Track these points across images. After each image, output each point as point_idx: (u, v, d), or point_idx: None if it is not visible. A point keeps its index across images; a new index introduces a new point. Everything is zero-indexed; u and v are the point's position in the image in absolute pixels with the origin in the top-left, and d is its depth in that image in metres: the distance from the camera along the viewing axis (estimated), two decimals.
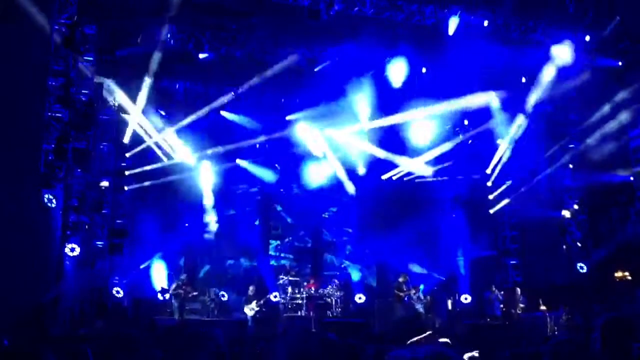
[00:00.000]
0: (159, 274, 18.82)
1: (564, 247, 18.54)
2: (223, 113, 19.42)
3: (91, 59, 14.76)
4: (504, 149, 19.82)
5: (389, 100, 18.98)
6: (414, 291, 18.28)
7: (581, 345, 4.21)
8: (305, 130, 20.01)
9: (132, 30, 15.35)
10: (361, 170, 21.24)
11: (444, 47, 16.21)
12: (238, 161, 20.86)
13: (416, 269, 20.38)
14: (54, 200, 12.96)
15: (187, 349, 3.88)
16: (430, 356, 2.60)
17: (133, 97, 16.96)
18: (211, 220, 20.36)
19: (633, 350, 3.95)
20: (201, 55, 16.73)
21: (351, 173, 21.34)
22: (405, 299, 18.08)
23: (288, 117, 19.80)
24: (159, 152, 18.90)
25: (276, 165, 21.61)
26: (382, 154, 20.74)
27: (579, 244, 18.28)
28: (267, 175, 21.28)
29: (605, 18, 15.87)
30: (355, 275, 21.07)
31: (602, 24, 16.10)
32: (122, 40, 15.65)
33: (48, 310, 12.35)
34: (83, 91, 14.43)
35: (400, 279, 18.42)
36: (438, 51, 16.73)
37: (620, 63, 16.62)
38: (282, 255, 21.93)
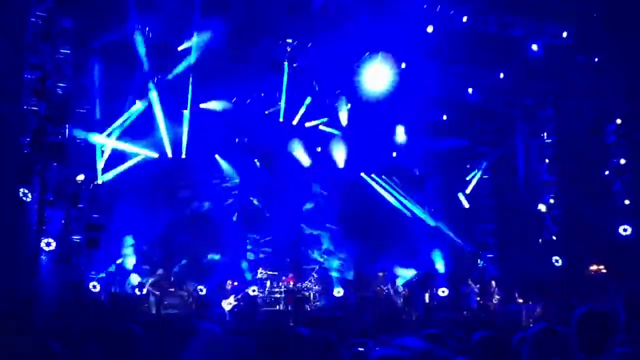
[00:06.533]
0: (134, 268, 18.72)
1: (540, 240, 18.73)
2: (202, 106, 19.27)
3: (68, 51, 14.58)
4: None
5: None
6: (390, 285, 18.52)
7: (559, 335, 4.26)
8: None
9: (111, 22, 15.16)
10: (340, 164, 21.27)
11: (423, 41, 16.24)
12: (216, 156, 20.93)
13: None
14: (29, 195, 12.82)
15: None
16: (420, 355, 2.61)
17: (112, 89, 16.81)
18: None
19: (608, 342, 4.00)
20: (180, 48, 16.64)
21: (329, 167, 21.38)
22: (384, 293, 18.28)
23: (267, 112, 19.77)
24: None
25: (255, 160, 21.60)
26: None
27: (554, 238, 18.47)
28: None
29: (583, 14, 15.96)
30: (333, 269, 21.09)
31: (580, 19, 16.21)
32: (99, 32, 15.46)
33: (24, 304, 12.22)
34: (59, 84, 14.26)
35: (380, 274, 18.69)
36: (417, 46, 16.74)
37: (597, 59, 16.77)
38: (260, 249, 21.86)
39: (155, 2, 14.56)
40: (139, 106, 18.04)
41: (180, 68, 16.97)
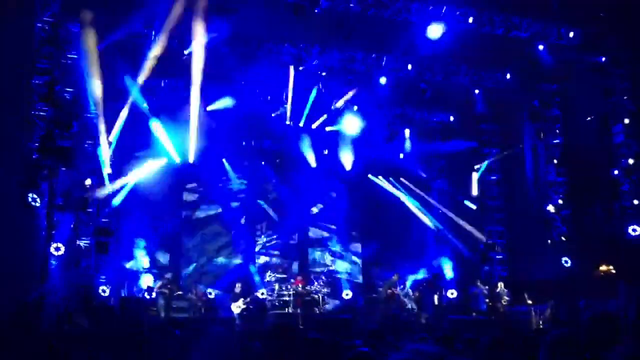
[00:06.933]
0: (145, 272, 18.75)
1: (549, 241, 18.64)
2: (209, 108, 19.27)
3: (75, 56, 14.63)
4: None
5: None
6: (402, 287, 18.53)
7: (571, 338, 4.25)
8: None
9: (117, 26, 15.17)
10: (347, 167, 21.25)
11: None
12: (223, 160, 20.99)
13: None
14: (38, 200, 12.86)
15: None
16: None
17: (117, 93, 16.83)
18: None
19: (616, 342, 3.99)
20: (186, 52, 16.63)
21: (338, 169, 21.35)
22: (396, 297, 18.30)
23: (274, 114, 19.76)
24: None
25: (262, 162, 21.65)
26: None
27: (563, 239, 18.39)
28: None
29: (590, 14, 15.89)
30: (342, 272, 21.08)
31: (587, 20, 16.14)
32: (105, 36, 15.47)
33: (33, 309, 12.27)
34: (67, 89, 14.32)
35: (394, 277, 18.69)
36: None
37: (603, 59, 16.71)
38: (269, 252, 21.89)
39: (160, 6, 14.55)
40: (145, 111, 18.07)
41: (185, 72, 16.94)
